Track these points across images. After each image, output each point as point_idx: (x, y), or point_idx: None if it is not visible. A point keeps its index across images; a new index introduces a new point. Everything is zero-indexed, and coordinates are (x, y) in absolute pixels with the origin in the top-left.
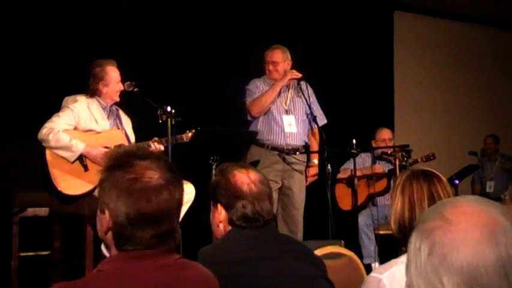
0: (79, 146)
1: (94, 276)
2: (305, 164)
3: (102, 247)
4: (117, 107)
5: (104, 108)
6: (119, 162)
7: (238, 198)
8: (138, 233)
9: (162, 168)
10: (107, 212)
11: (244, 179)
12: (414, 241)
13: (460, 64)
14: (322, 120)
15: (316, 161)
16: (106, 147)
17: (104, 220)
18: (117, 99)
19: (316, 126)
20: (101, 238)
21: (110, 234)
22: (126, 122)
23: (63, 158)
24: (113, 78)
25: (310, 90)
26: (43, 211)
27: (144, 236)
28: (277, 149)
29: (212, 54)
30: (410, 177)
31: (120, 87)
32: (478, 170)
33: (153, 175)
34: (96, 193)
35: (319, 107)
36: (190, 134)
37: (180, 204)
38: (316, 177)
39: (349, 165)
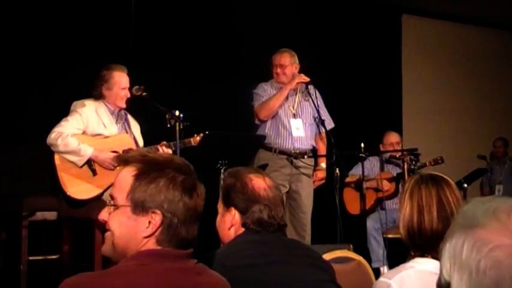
0: (87, 151)
1: (117, 269)
2: (312, 167)
3: None
4: (125, 112)
5: (111, 113)
6: (157, 167)
7: (255, 202)
8: (188, 232)
9: (186, 171)
10: (158, 212)
11: (261, 183)
12: (467, 248)
13: (468, 67)
14: (329, 124)
15: (323, 165)
16: (114, 152)
17: (143, 223)
18: (121, 105)
19: (324, 130)
20: (123, 247)
21: (152, 241)
22: (135, 127)
23: (72, 163)
24: (116, 83)
25: (318, 94)
26: (52, 215)
27: (193, 233)
28: (285, 153)
29: (219, 59)
30: (418, 181)
31: (125, 94)
32: (486, 173)
33: (184, 175)
34: (105, 197)
35: (326, 111)
36: (198, 138)
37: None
38: (323, 181)
39: (357, 170)
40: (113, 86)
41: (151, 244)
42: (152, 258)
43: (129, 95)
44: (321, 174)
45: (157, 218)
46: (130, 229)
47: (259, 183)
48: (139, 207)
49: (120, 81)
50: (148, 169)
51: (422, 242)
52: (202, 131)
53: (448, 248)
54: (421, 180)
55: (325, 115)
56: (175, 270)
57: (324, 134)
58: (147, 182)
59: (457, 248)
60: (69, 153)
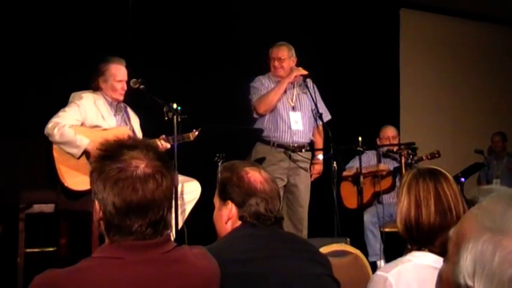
0: (83, 141)
1: (83, 264)
2: (310, 161)
3: None
4: (125, 104)
5: (110, 105)
6: (108, 153)
7: (252, 195)
8: (126, 223)
9: (150, 157)
10: (96, 202)
11: (258, 176)
12: (499, 258)
13: (466, 62)
14: (326, 116)
15: (321, 158)
16: None
17: (96, 210)
18: (118, 98)
19: (321, 123)
20: (97, 228)
21: (102, 224)
22: (134, 119)
23: (69, 154)
24: (112, 76)
25: (315, 87)
26: (49, 208)
27: (132, 225)
28: (283, 146)
29: (217, 52)
30: (416, 175)
31: (122, 86)
32: (484, 168)
33: (139, 164)
34: None
35: (323, 104)
36: (196, 133)
37: (170, 192)
38: (320, 173)
39: (354, 163)
40: (108, 78)
41: (104, 234)
42: (119, 251)
43: (125, 88)
44: (319, 167)
45: (97, 206)
46: (94, 213)
47: (255, 176)
48: (93, 194)
49: (116, 73)
50: (96, 159)
51: (420, 235)
52: (200, 124)
53: (474, 252)
54: (419, 174)
55: (323, 108)
56: (145, 261)
57: (321, 127)
58: (90, 171)
59: (486, 255)
60: (66, 143)
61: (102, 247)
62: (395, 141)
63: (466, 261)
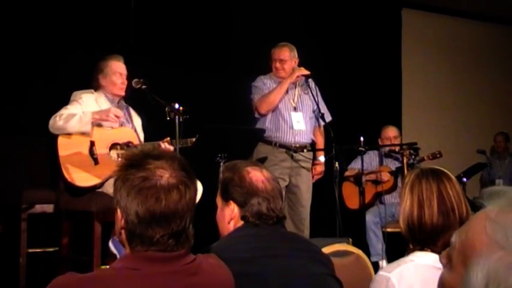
0: (88, 114)
1: (104, 273)
2: (311, 161)
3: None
4: (127, 105)
5: (111, 102)
6: (133, 162)
7: (254, 195)
8: (148, 232)
9: (174, 167)
10: (119, 210)
11: (259, 176)
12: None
13: (468, 62)
14: (328, 117)
15: (322, 159)
16: (115, 144)
17: (118, 218)
18: (120, 93)
19: (322, 123)
20: (118, 237)
21: (123, 233)
22: (136, 120)
23: (74, 144)
24: (111, 70)
25: (317, 88)
26: (51, 208)
27: (154, 235)
28: (285, 147)
29: (219, 51)
30: (419, 176)
31: (122, 81)
32: (486, 168)
33: (164, 174)
34: (104, 190)
35: (324, 104)
36: (194, 140)
37: (193, 204)
38: (322, 174)
39: (355, 164)
40: (108, 73)
41: (125, 243)
42: (140, 262)
43: (126, 83)
44: (320, 168)
45: (119, 215)
46: (116, 222)
47: (256, 175)
48: (114, 204)
49: (115, 68)
50: (120, 168)
51: (422, 236)
52: (201, 124)
53: (487, 269)
54: (422, 174)
55: (324, 108)
56: (165, 274)
57: (322, 128)
58: (115, 180)
59: (500, 275)
60: (74, 123)
61: (122, 257)
62: (397, 142)
63: (478, 278)
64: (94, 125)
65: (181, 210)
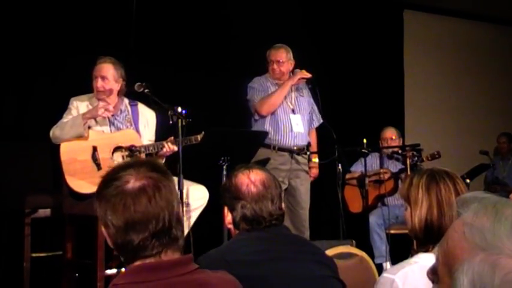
0: (78, 117)
1: None
2: (308, 163)
3: None
4: (135, 102)
5: None
6: (105, 179)
7: (238, 199)
8: (128, 239)
9: (141, 172)
10: (103, 228)
11: (244, 179)
12: (499, 280)
13: (470, 63)
14: (319, 119)
15: (317, 161)
16: (119, 147)
17: (106, 237)
18: (98, 96)
19: (314, 125)
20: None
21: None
22: (145, 117)
23: (77, 150)
24: (93, 74)
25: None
26: (55, 212)
27: (133, 240)
28: (285, 150)
29: (217, 54)
30: (434, 176)
31: (101, 84)
32: (489, 168)
33: (129, 179)
34: None
35: (316, 108)
36: (199, 136)
37: (168, 203)
38: (316, 177)
39: (356, 167)
40: (93, 79)
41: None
42: (143, 274)
43: (102, 85)
44: (316, 171)
45: (105, 232)
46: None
47: (242, 179)
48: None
49: (94, 72)
50: (96, 188)
51: (440, 237)
52: (204, 126)
53: (471, 273)
54: (437, 175)
55: (315, 112)
56: (173, 283)
57: (314, 130)
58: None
59: (485, 277)
60: (67, 130)
61: (123, 273)
62: (394, 142)
63: (464, 284)
64: (87, 125)
65: (153, 212)
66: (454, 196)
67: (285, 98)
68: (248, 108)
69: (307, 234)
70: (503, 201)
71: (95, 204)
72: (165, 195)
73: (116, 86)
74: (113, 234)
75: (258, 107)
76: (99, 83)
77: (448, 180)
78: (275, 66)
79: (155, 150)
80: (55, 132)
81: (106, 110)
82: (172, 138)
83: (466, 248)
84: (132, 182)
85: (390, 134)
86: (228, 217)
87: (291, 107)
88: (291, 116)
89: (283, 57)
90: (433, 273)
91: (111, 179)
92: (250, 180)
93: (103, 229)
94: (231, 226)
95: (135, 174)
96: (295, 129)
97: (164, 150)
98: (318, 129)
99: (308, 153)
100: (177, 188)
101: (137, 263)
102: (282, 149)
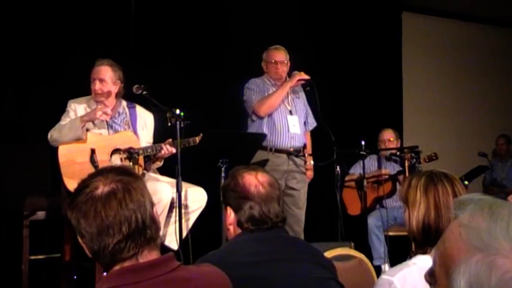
0: (77, 120)
1: None
2: (303, 165)
3: None
4: (133, 104)
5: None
6: (76, 189)
7: (246, 199)
8: (102, 244)
9: (109, 177)
10: (79, 238)
11: (252, 180)
12: (496, 279)
13: (469, 64)
14: (314, 122)
15: (312, 162)
16: (117, 149)
17: (84, 247)
18: (96, 99)
19: (309, 127)
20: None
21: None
22: (143, 119)
23: (75, 152)
24: (91, 77)
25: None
26: (53, 214)
27: (107, 244)
28: (282, 151)
29: (215, 56)
30: (432, 178)
31: (98, 87)
32: (488, 170)
33: (98, 185)
34: None
35: (310, 110)
36: (197, 138)
37: (140, 204)
38: (311, 179)
39: (354, 170)
40: (91, 81)
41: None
42: (125, 277)
43: (100, 87)
44: (311, 173)
45: (81, 242)
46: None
47: (250, 180)
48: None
49: (92, 74)
50: (69, 199)
51: (438, 239)
52: (203, 129)
53: (468, 274)
54: (435, 177)
55: (310, 114)
56: (157, 282)
57: (309, 132)
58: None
59: (481, 277)
60: (66, 132)
61: (103, 279)
62: (392, 144)
63: (461, 285)
64: (85, 128)
65: (125, 215)
66: (451, 198)
67: (282, 99)
68: (245, 109)
69: (302, 235)
70: (499, 202)
71: (69, 215)
72: (136, 197)
73: (114, 88)
74: (89, 242)
75: (256, 108)
76: (97, 86)
77: (446, 182)
78: (279, 66)
79: (153, 152)
80: (53, 135)
81: (104, 113)
82: (170, 140)
83: (462, 249)
84: (101, 188)
85: (388, 136)
86: (231, 217)
87: (289, 108)
88: (288, 117)
89: (283, 58)
90: (431, 276)
91: (81, 187)
92: (258, 180)
93: (79, 240)
94: (231, 227)
95: (104, 179)
96: (292, 130)
97: (162, 152)
98: (316, 131)
99: (306, 155)
100: (175, 190)
101: (116, 267)
102: (278, 151)
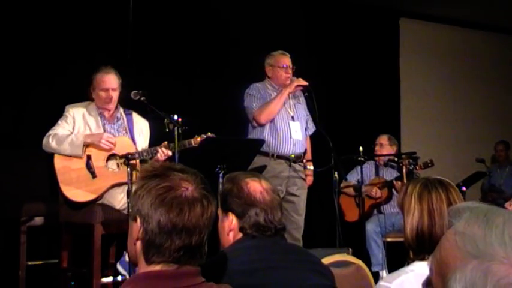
0: (79, 138)
1: None
2: (303, 171)
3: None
4: (130, 111)
5: (100, 115)
6: (156, 172)
7: (251, 206)
8: (167, 243)
9: (198, 182)
10: (138, 219)
11: (257, 187)
12: (492, 285)
13: (467, 71)
14: (313, 127)
15: (312, 168)
16: (113, 155)
17: (135, 228)
18: (105, 106)
19: (309, 133)
20: (129, 250)
21: (138, 244)
22: (139, 126)
23: (72, 157)
24: (97, 84)
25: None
26: (51, 220)
27: (172, 247)
28: (283, 157)
29: (210, 62)
30: (427, 185)
31: (107, 95)
32: (485, 176)
33: (188, 186)
34: (105, 201)
35: (310, 116)
36: (199, 139)
37: (210, 222)
38: (311, 184)
39: (351, 177)
40: (95, 87)
41: (140, 255)
42: (152, 281)
43: (112, 96)
44: (311, 178)
45: (138, 224)
46: (129, 237)
47: (255, 186)
48: (132, 214)
49: (99, 82)
50: (143, 177)
51: (432, 246)
52: (200, 133)
53: (464, 281)
54: (430, 184)
55: (310, 119)
56: None
57: (308, 138)
58: (135, 189)
59: (477, 284)
60: (65, 147)
61: (133, 277)
62: (385, 149)
63: None
64: (85, 148)
65: (202, 225)
66: (446, 205)
67: (284, 104)
68: (245, 116)
69: (301, 242)
70: (494, 209)
71: (135, 196)
72: (212, 213)
73: (117, 95)
74: (152, 233)
75: (257, 116)
76: (110, 95)
77: (441, 189)
78: (289, 71)
79: (149, 156)
80: (51, 143)
81: (109, 143)
82: (166, 143)
83: (458, 257)
84: (192, 190)
85: (380, 140)
86: (233, 223)
87: (291, 113)
88: (291, 122)
89: (290, 63)
90: (428, 285)
91: (164, 175)
92: (263, 187)
93: (136, 224)
94: (232, 233)
95: (194, 182)
96: (294, 136)
97: (158, 155)
98: (314, 137)
99: (305, 161)
100: None
101: (147, 269)
102: (280, 157)
